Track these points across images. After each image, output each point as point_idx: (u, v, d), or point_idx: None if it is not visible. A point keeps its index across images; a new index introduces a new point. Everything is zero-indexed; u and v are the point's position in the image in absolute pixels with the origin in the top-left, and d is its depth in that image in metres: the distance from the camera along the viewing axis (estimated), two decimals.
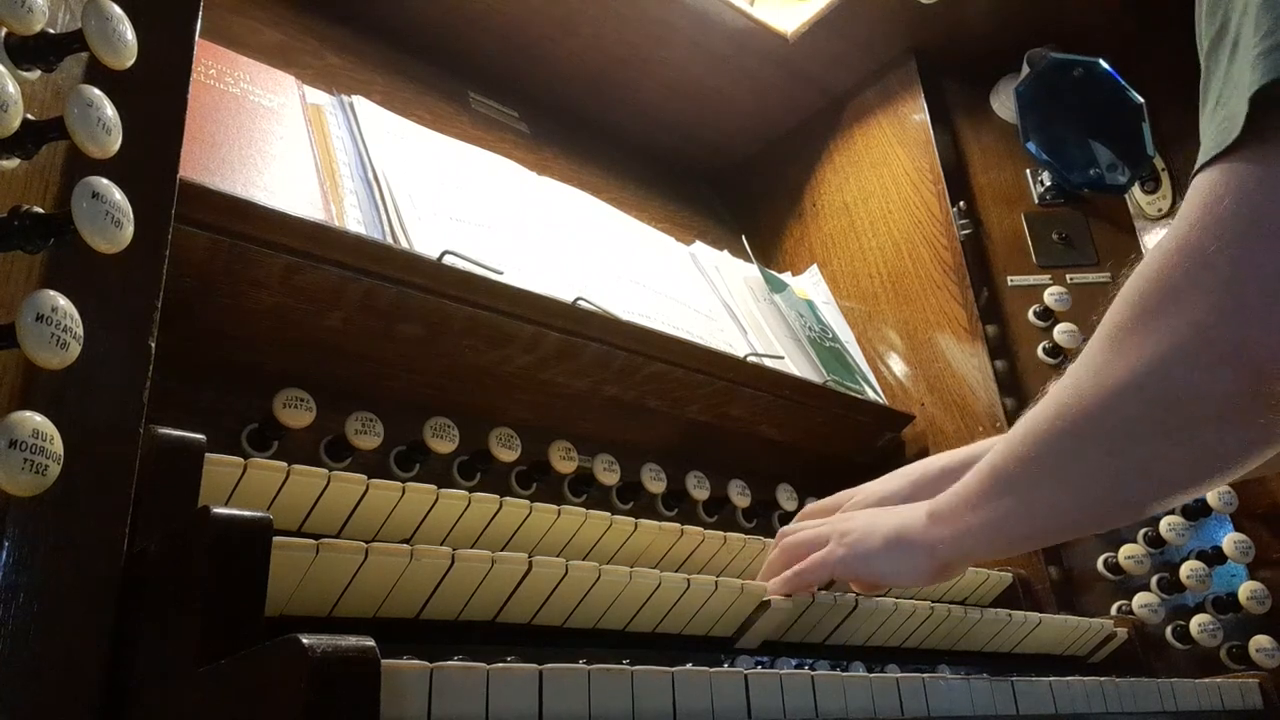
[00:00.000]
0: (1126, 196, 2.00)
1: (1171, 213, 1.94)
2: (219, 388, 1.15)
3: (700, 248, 2.00)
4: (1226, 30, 0.78)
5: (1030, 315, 1.92)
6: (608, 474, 1.44)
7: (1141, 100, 1.92)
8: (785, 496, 1.71)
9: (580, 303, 1.40)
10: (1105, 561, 1.71)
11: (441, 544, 0.92)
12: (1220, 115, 0.75)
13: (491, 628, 0.94)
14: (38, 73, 0.73)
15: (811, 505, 1.41)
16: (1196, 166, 0.78)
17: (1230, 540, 1.70)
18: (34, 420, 0.60)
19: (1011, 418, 1.77)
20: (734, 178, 2.47)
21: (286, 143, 1.34)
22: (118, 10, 0.72)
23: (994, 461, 0.97)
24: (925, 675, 0.97)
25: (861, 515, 1.18)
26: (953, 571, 1.10)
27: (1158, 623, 1.66)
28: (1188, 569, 1.67)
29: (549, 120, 2.08)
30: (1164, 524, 1.71)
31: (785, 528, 1.28)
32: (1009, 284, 1.96)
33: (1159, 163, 1.96)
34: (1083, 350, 0.87)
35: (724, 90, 2.21)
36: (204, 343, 1.13)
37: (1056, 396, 0.88)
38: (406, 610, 0.88)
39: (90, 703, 0.67)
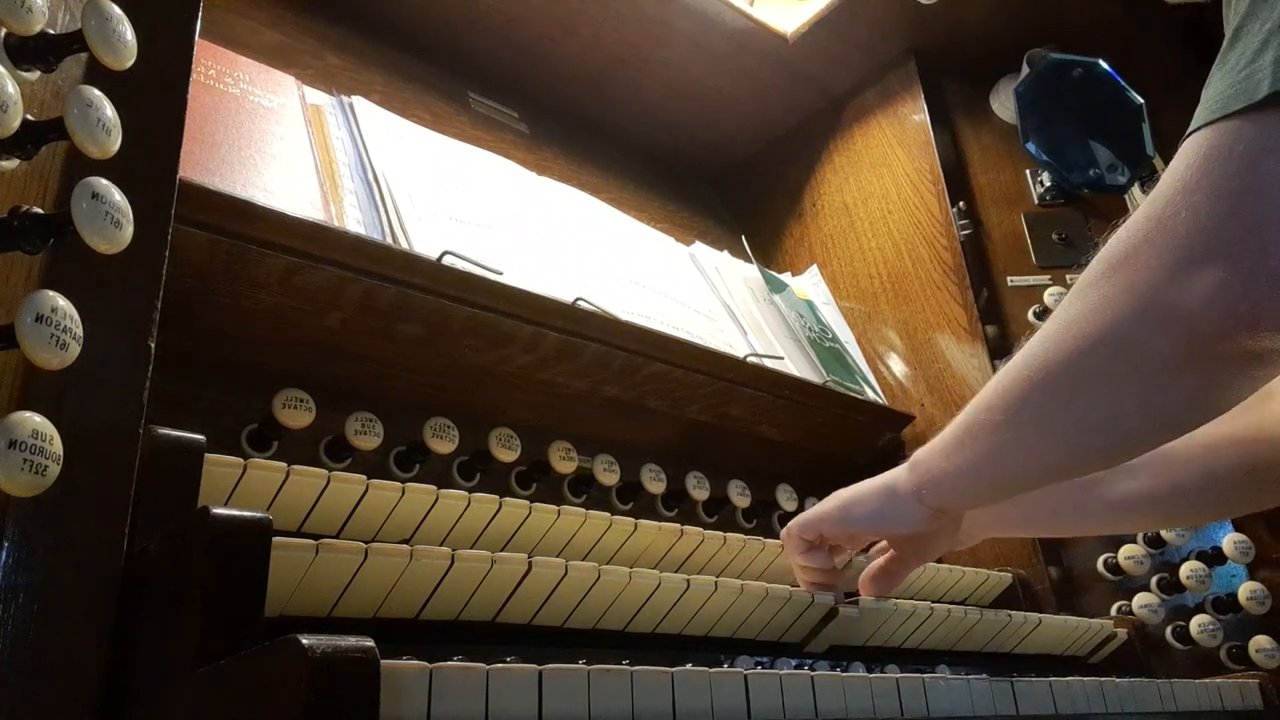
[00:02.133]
0: (1126, 196, 2.00)
1: None
2: (219, 388, 1.15)
3: (700, 248, 2.00)
4: None
5: (1030, 315, 1.92)
6: (607, 474, 1.44)
7: (1141, 100, 1.92)
8: (785, 496, 1.71)
9: (580, 303, 1.40)
10: (1105, 562, 1.71)
11: (441, 544, 0.92)
12: (1245, 73, 0.75)
13: (491, 628, 0.94)
14: (37, 73, 0.73)
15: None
16: (1192, 125, 0.79)
17: (1230, 540, 1.70)
18: (33, 420, 0.60)
19: None
20: (734, 178, 2.47)
21: (286, 143, 1.34)
22: (117, 10, 0.72)
23: (968, 411, 0.99)
24: (925, 675, 0.97)
25: (849, 487, 1.20)
26: (944, 519, 1.11)
27: (1158, 623, 1.66)
28: (1188, 569, 1.67)
29: (549, 120, 2.08)
30: None
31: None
32: (1009, 284, 1.96)
33: (1159, 163, 1.96)
34: None
35: (724, 90, 2.21)
36: (204, 343, 1.13)
37: (1027, 349, 0.91)
38: (406, 610, 0.88)
39: (90, 703, 0.67)
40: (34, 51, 0.70)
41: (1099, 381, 0.83)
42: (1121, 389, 0.82)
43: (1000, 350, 1.88)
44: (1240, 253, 0.72)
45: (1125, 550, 1.70)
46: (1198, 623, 1.65)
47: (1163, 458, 1.11)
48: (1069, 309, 0.86)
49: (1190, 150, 0.77)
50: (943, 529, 1.15)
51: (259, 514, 0.71)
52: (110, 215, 0.67)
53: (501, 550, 0.94)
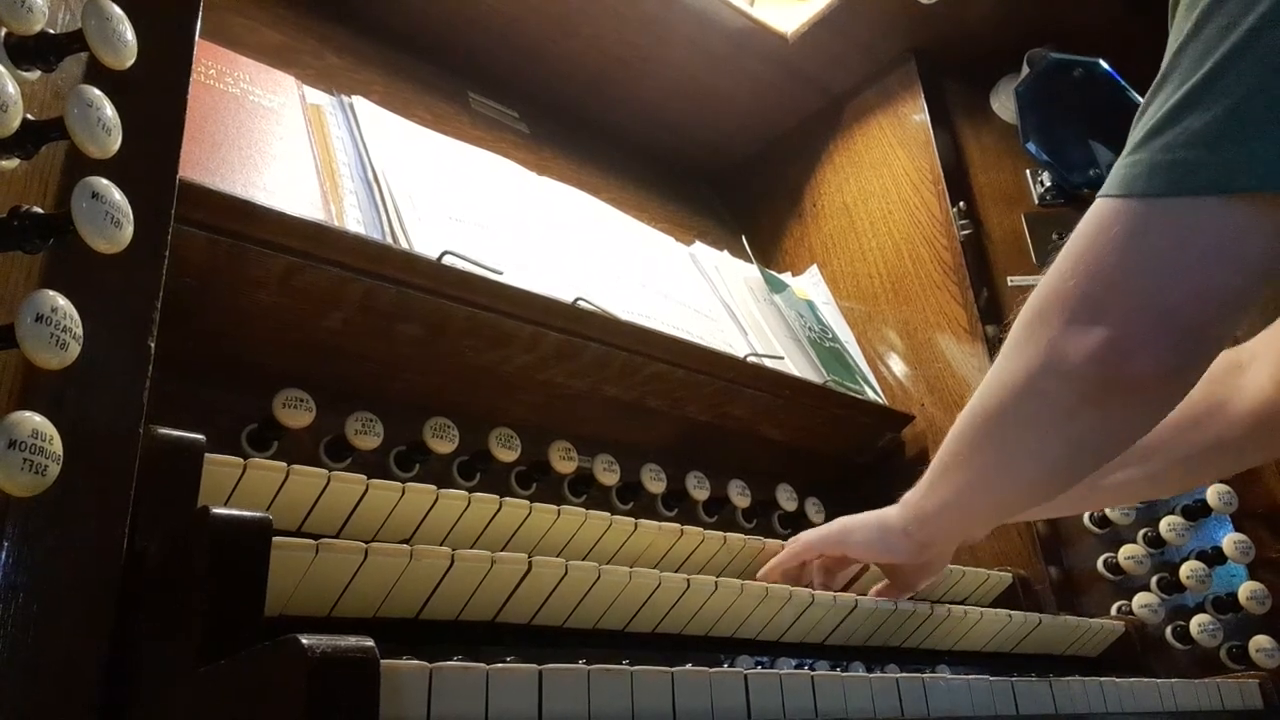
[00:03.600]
0: None
1: None
2: (219, 388, 1.15)
3: (700, 248, 2.00)
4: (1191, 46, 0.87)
5: None
6: (608, 474, 1.44)
7: (1141, 100, 1.92)
8: (785, 496, 1.71)
9: (580, 303, 1.40)
10: (1105, 562, 1.71)
11: (441, 544, 0.92)
12: (1134, 158, 0.89)
13: (491, 628, 0.94)
14: (38, 73, 0.73)
15: None
16: (1103, 190, 0.92)
17: (1230, 540, 1.70)
18: (33, 420, 0.60)
19: None
20: (734, 178, 2.47)
21: (286, 143, 1.34)
22: (118, 10, 0.72)
23: (940, 454, 1.14)
24: (925, 675, 0.97)
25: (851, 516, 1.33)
26: (931, 550, 1.24)
27: (1158, 623, 1.66)
28: (1188, 569, 1.67)
29: (549, 120, 2.08)
30: (1164, 524, 1.71)
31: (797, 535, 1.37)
32: (1009, 284, 1.96)
33: None
34: None
35: (724, 90, 2.21)
36: (204, 343, 1.13)
37: (975, 397, 1.07)
38: (406, 610, 0.88)
39: (90, 703, 0.67)
40: (34, 51, 0.70)
41: (1025, 423, 0.99)
42: (1043, 428, 0.98)
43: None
44: (1113, 318, 0.87)
45: (1125, 550, 1.70)
46: (1198, 622, 1.65)
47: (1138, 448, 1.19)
48: (1000, 364, 1.02)
49: (1088, 219, 0.92)
50: (930, 561, 1.27)
51: (259, 514, 0.71)
52: (110, 215, 0.67)
53: (501, 550, 0.94)
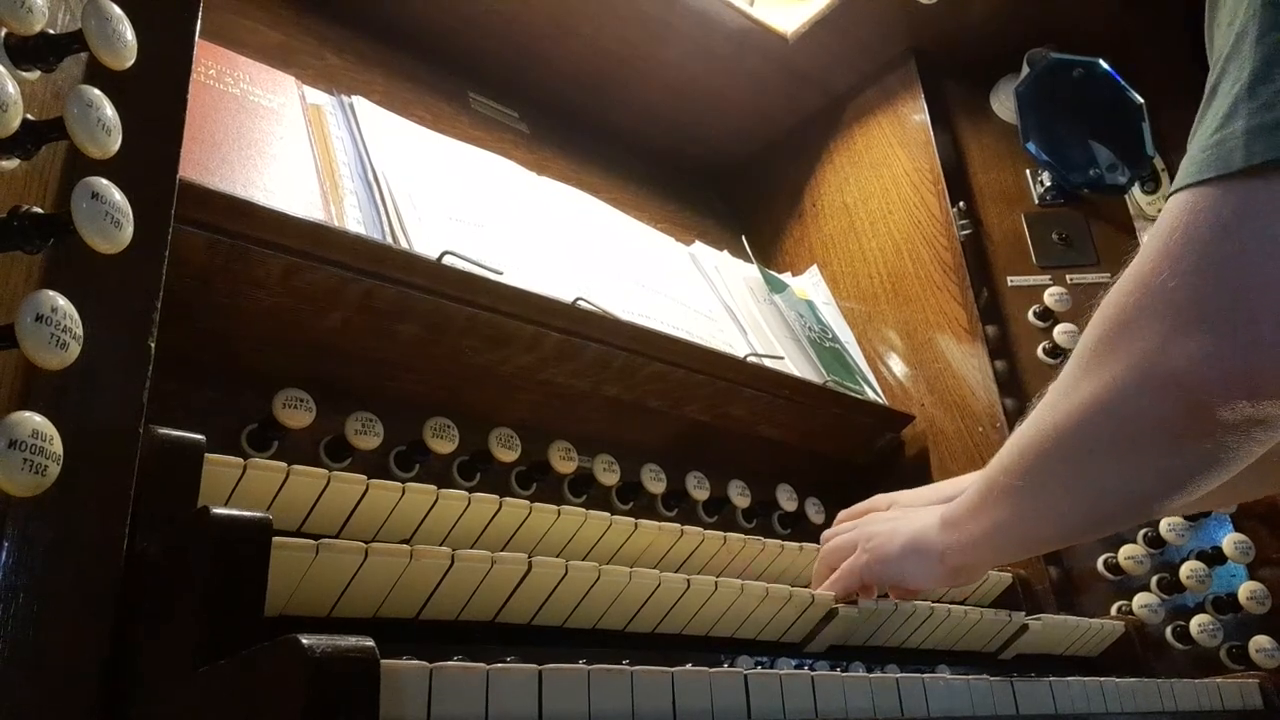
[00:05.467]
0: (1126, 197, 2.00)
1: None
2: (219, 388, 1.15)
3: (700, 248, 2.00)
4: (1244, 41, 0.78)
5: (1030, 315, 1.92)
6: (608, 474, 1.44)
7: (1141, 100, 1.92)
8: (785, 497, 1.71)
9: (580, 303, 1.40)
10: (1105, 562, 1.71)
11: (441, 544, 0.92)
12: (1218, 138, 0.77)
13: (491, 628, 0.94)
14: (38, 73, 0.72)
15: (845, 511, 1.41)
16: (1175, 185, 0.80)
17: (1230, 540, 1.70)
18: (33, 420, 0.60)
19: (1011, 418, 1.77)
20: (734, 178, 2.47)
21: (286, 143, 1.34)
22: (118, 10, 0.72)
23: (989, 473, 1.02)
24: (925, 675, 0.97)
25: (886, 520, 1.23)
26: (966, 576, 1.16)
27: (1158, 623, 1.66)
28: (1188, 569, 1.67)
29: (548, 120, 2.08)
30: (1164, 524, 1.71)
31: (826, 532, 1.33)
32: (1009, 284, 1.96)
33: (1159, 163, 1.96)
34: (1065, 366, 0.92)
35: (724, 90, 2.21)
36: (204, 343, 1.13)
37: (1038, 414, 0.94)
38: (406, 610, 0.88)
39: (90, 703, 0.67)
40: (34, 51, 0.70)
41: (1108, 449, 0.86)
42: (1130, 456, 0.84)
43: (1000, 351, 1.88)
44: (1229, 322, 0.74)
45: (1125, 550, 1.70)
46: (1198, 622, 1.65)
47: None
48: (1074, 378, 0.88)
49: (1174, 212, 0.79)
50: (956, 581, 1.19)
51: (259, 514, 0.71)
52: (110, 215, 0.67)
53: (501, 550, 0.94)
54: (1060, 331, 1.89)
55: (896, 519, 1.21)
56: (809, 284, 2.15)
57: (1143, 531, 1.73)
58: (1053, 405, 0.91)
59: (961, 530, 1.08)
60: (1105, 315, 0.85)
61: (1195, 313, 0.76)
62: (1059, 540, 1.06)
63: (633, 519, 1.20)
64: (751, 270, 2.00)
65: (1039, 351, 1.89)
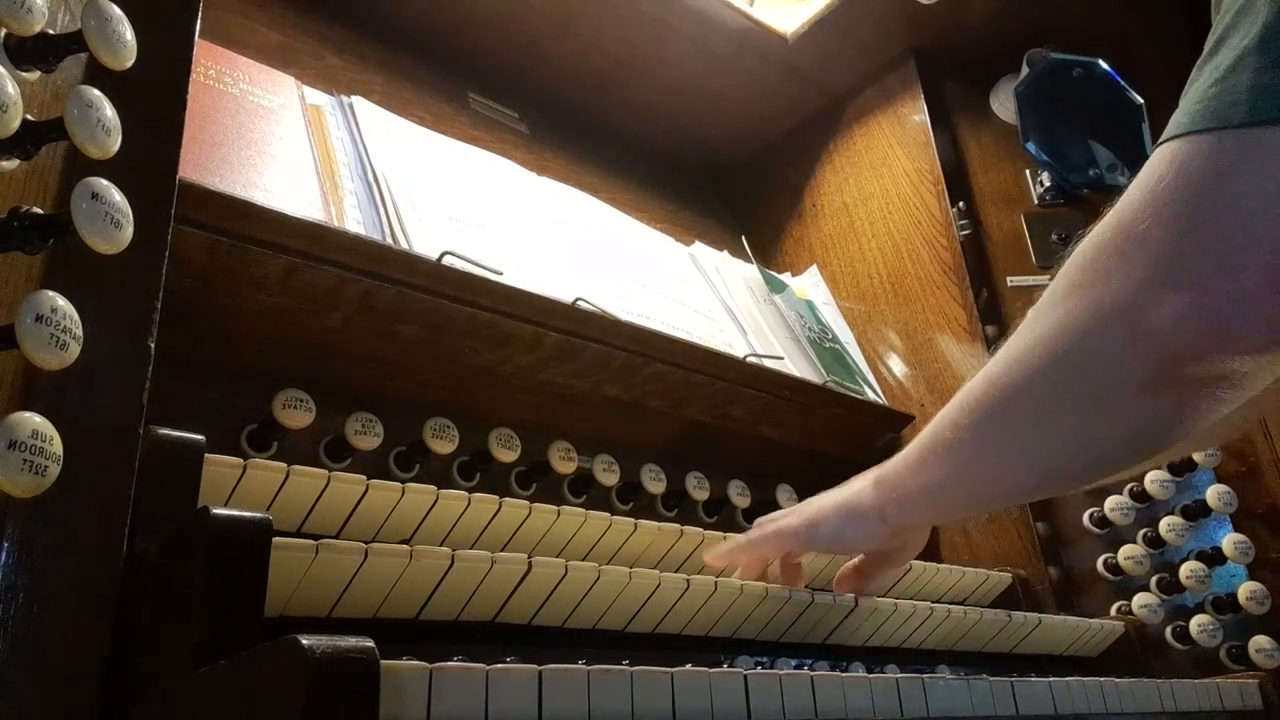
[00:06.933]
0: None
1: None
2: (219, 388, 1.15)
3: (700, 248, 2.00)
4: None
5: None
6: (607, 474, 1.44)
7: (1141, 100, 1.92)
8: (785, 497, 1.71)
9: (580, 303, 1.40)
10: (1105, 562, 1.71)
11: (441, 544, 0.92)
12: (1218, 90, 0.73)
13: (491, 628, 0.94)
14: (37, 73, 0.72)
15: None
16: (1166, 133, 0.76)
17: (1230, 540, 1.70)
18: (33, 421, 0.60)
19: None
20: (734, 178, 2.47)
21: (286, 143, 1.34)
22: (117, 10, 0.72)
23: (934, 428, 0.97)
24: (925, 675, 0.97)
25: (818, 496, 1.19)
26: (905, 536, 1.12)
27: (1157, 623, 1.66)
28: (1187, 569, 1.67)
29: (548, 120, 2.08)
30: (1164, 524, 1.71)
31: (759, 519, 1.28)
32: (1009, 284, 1.96)
33: None
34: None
35: (723, 90, 2.21)
36: (204, 343, 1.13)
37: (987, 369, 0.89)
38: (406, 611, 0.88)
39: (90, 703, 0.67)
40: (34, 51, 0.70)
41: (1066, 400, 0.81)
42: (1089, 408, 0.80)
43: None
44: (1212, 272, 0.71)
45: (1125, 550, 1.70)
46: (1198, 623, 1.65)
47: None
48: (1035, 324, 0.83)
49: (1162, 160, 0.75)
50: (908, 541, 1.16)
51: (259, 514, 0.71)
52: (110, 215, 0.67)
53: (501, 550, 0.94)
54: None
55: (828, 493, 1.17)
56: (809, 284, 2.15)
57: (1142, 532, 1.73)
58: (1009, 354, 0.86)
59: (899, 487, 1.03)
60: (1076, 262, 0.81)
61: (1177, 262, 0.72)
62: (1002, 498, 1.00)
63: (632, 519, 1.20)
64: (751, 270, 2.00)
65: None
